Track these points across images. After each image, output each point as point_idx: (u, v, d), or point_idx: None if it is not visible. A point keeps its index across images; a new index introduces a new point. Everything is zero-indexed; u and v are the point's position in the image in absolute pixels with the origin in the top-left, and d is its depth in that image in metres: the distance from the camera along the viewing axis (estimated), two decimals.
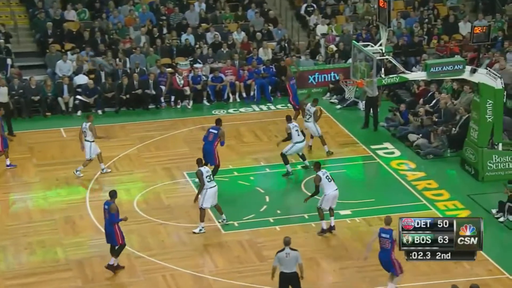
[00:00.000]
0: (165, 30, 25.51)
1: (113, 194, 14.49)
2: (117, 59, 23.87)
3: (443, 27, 26.38)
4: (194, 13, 26.31)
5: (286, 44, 25.40)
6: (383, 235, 13.31)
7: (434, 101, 21.20)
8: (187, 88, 23.25)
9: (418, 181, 18.28)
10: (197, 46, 24.77)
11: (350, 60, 21.68)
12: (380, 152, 19.84)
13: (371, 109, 21.14)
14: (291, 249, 13.06)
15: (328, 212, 15.70)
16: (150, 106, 23.01)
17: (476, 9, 27.76)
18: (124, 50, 24.21)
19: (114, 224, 14.30)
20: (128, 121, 21.95)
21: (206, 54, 24.57)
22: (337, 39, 25.61)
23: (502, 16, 26.70)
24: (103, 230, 14.77)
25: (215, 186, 15.84)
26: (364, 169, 19.57)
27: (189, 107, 23.22)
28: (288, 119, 18.35)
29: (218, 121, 17.62)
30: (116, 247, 14.47)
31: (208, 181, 15.70)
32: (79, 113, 22.54)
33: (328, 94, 23.74)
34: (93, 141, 18.23)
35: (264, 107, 23.21)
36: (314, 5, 27.27)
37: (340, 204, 16.61)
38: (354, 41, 20.14)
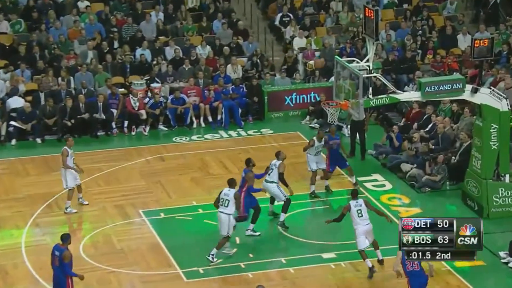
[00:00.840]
0: (116, 44, 25.51)
1: (65, 238, 14.26)
2: (59, 78, 23.78)
3: (439, 40, 26.72)
4: (151, 24, 26.37)
5: (258, 60, 25.54)
6: None
7: (430, 126, 21.41)
8: (143, 111, 23.21)
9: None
10: (155, 62, 24.79)
11: (332, 79, 21.83)
12: (368, 185, 19.92)
13: (357, 135, 21.29)
14: None
15: (371, 248, 15.96)
16: (99, 133, 22.92)
17: (477, 20, 28.11)
18: (67, 68, 24.14)
19: (67, 276, 14.09)
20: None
21: (165, 71, 24.60)
22: (318, 54, 25.84)
23: (506, 27, 27.08)
24: (42, 280, 14.48)
25: (224, 213, 16.29)
26: None
27: (146, 133, 23.17)
28: (276, 155, 18.01)
29: (247, 162, 17.55)
30: None
31: (220, 204, 16.38)
32: (13, 142, 22.37)
33: (308, 117, 23.85)
34: (71, 168, 18.26)
35: (233, 133, 23.23)
36: (291, 15, 27.50)
37: (323, 246, 16.60)
38: (337, 57, 20.31)
